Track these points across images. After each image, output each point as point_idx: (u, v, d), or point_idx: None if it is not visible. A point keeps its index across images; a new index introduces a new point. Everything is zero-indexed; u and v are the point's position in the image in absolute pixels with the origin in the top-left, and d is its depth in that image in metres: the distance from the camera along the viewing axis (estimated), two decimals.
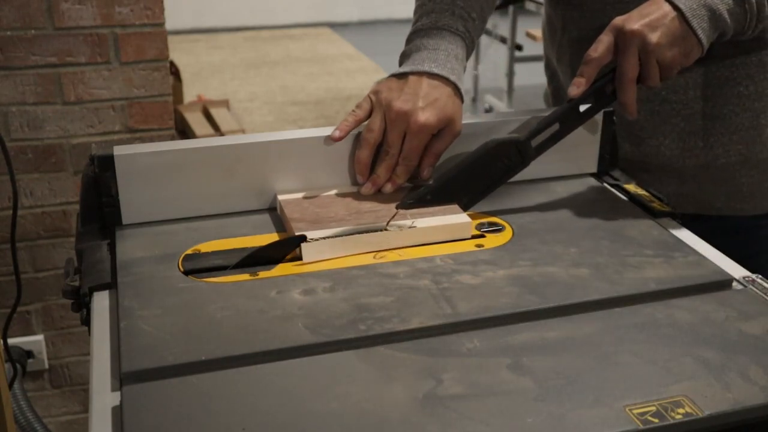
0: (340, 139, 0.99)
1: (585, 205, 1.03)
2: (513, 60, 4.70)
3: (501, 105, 4.71)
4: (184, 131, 3.72)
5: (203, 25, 6.68)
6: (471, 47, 1.09)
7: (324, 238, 0.89)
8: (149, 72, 1.83)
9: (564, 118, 0.98)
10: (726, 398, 0.68)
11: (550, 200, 1.03)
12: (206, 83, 5.31)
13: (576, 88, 0.96)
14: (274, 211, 1.00)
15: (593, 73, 0.96)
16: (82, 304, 0.88)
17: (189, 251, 0.91)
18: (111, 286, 0.85)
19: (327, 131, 1.00)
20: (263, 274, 0.87)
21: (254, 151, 0.98)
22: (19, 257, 1.85)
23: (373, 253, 0.91)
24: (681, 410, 0.66)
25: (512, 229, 0.96)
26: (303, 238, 0.90)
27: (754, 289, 0.84)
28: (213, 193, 0.98)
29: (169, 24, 1.89)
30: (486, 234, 0.95)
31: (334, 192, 1.01)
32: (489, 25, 4.96)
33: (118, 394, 0.70)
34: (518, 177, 1.08)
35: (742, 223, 1.17)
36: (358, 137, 1.00)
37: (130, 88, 1.83)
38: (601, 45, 0.95)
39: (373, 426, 0.65)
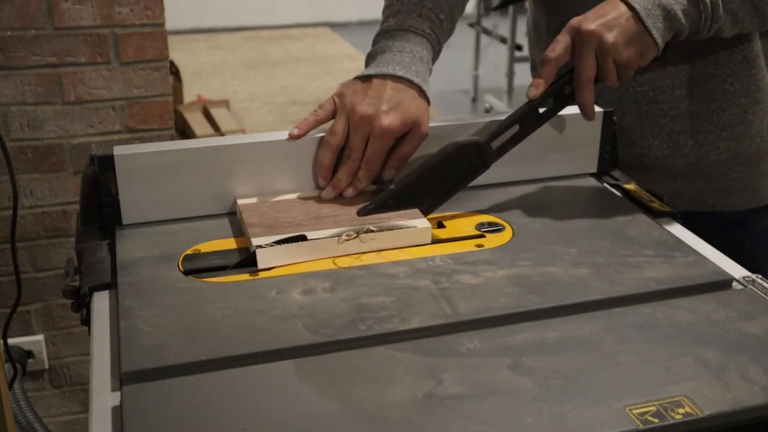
0: (298, 137, 0.98)
1: (585, 205, 1.03)
2: (513, 60, 4.70)
3: (501, 105, 4.71)
4: (184, 131, 3.72)
5: (203, 25, 6.68)
6: (438, 49, 1.08)
7: (275, 243, 0.88)
8: (149, 72, 1.83)
9: (523, 120, 0.98)
10: (726, 398, 0.68)
11: (550, 200, 1.03)
12: (206, 83, 5.31)
13: (534, 89, 0.96)
14: None
15: (551, 74, 0.96)
16: (82, 304, 0.88)
17: (189, 251, 0.91)
18: (111, 286, 0.85)
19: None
20: (263, 274, 0.87)
21: (252, 151, 0.98)
22: (19, 257, 1.85)
23: (374, 253, 0.91)
24: (681, 410, 0.66)
25: (512, 229, 0.96)
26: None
27: (754, 289, 0.84)
28: (213, 193, 0.98)
29: (169, 24, 1.89)
30: (486, 234, 0.95)
31: (295, 196, 0.99)
32: (489, 25, 4.99)
33: (118, 394, 0.70)
34: (518, 177, 1.08)
35: (735, 217, 1.19)
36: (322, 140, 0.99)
37: (130, 88, 1.83)
38: (559, 45, 0.95)
39: (373, 426, 0.65)
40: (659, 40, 0.94)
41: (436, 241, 0.94)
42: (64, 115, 1.81)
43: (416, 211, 0.96)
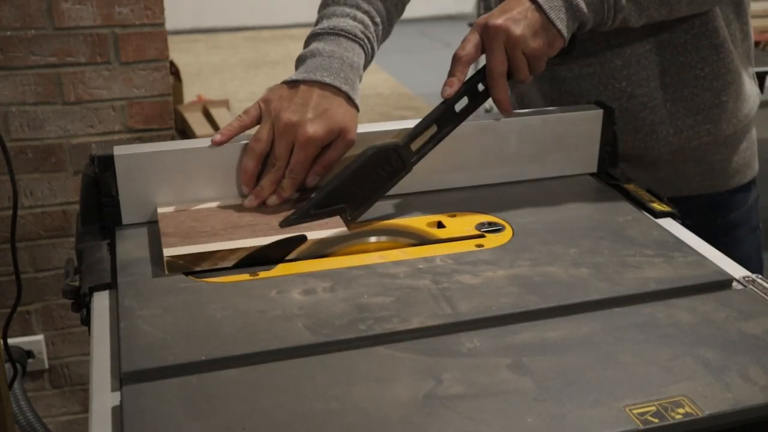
0: (221, 143, 0.96)
1: (585, 205, 1.03)
2: None
3: None
4: (184, 131, 3.71)
5: (203, 25, 6.68)
6: (371, 53, 1.07)
7: (186, 254, 0.86)
8: (149, 72, 1.83)
9: (441, 120, 0.98)
10: (726, 398, 0.68)
11: (550, 200, 1.03)
12: (206, 83, 5.31)
13: (449, 88, 0.97)
14: None
15: (464, 72, 0.97)
16: (82, 304, 0.88)
17: None
18: (111, 286, 0.85)
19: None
20: (263, 274, 0.87)
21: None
22: (19, 257, 1.85)
23: (375, 253, 0.91)
24: (681, 410, 0.66)
25: (512, 229, 0.96)
26: (303, 238, 0.90)
27: (754, 289, 0.84)
28: (213, 193, 0.98)
29: (169, 24, 1.89)
30: (486, 234, 0.95)
31: (216, 204, 0.97)
32: None
33: (118, 394, 0.70)
34: (518, 177, 1.08)
35: (718, 199, 1.22)
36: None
37: (130, 88, 1.83)
38: (468, 43, 0.96)
39: (373, 426, 0.65)
40: (564, 31, 0.96)
41: (436, 241, 0.94)
42: (64, 115, 1.81)
43: (338, 220, 0.94)
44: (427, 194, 1.05)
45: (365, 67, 1.07)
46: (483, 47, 0.96)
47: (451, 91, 0.97)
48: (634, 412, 0.66)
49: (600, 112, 1.08)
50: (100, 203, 0.96)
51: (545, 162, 1.09)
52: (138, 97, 1.84)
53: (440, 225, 0.98)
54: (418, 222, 0.98)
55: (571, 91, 1.16)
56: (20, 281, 1.29)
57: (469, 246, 0.92)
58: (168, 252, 0.86)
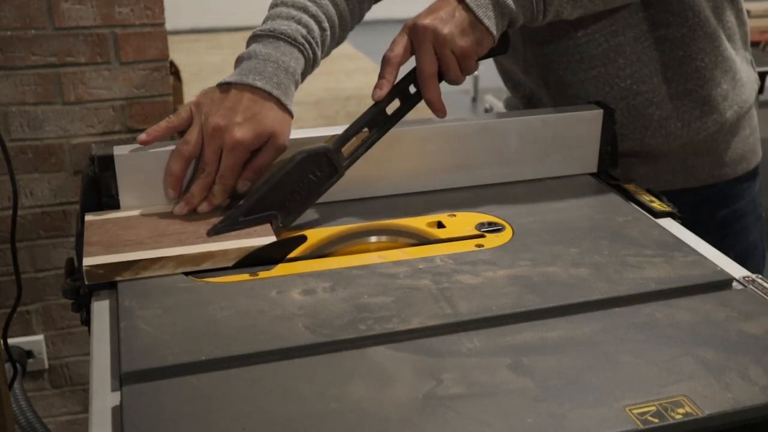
0: (146, 143, 0.95)
1: (585, 205, 1.03)
2: None
3: (501, 105, 4.70)
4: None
5: (203, 25, 6.68)
6: (312, 59, 1.04)
7: (109, 264, 0.85)
8: (149, 72, 1.83)
9: (372, 123, 0.97)
10: (726, 398, 0.68)
11: (550, 200, 1.03)
12: (206, 83, 5.28)
13: (378, 90, 0.95)
14: None
15: (394, 74, 0.96)
16: (82, 304, 0.88)
17: None
18: (111, 286, 0.85)
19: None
20: (263, 274, 0.87)
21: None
22: (19, 257, 1.84)
23: (374, 253, 0.91)
24: (681, 410, 0.66)
25: (512, 229, 0.96)
26: (304, 238, 0.90)
27: (754, 289, 0.84)
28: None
29: (169, 24, 1.89)
30: (486, 234, 0.95)
31: (145, 211, 0.95)
32: None
33: (118, 394, 0.70)
34: (518, 177, 1.08)
35: (727, 187, 1.22)
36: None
37: (130, 88, 1.83)
38: (397, 45, 0.95)
39: (373, 426, 0.65)
40: (492, 29, 0.95)
41: (436, 241, 0.94)
42: (64, 115, 1.81)
43: (267, 228, 0.92)
44: (427, 194, 1.05)
45: (307, 72, 1.05)
46: (412, 49, 0.95)
47: (381, 93, 0.95)
48: (634, 412, 0.66)
49: (600, 112, 1.08)
50: (100, 203, 0.96)
51: (545, 162, 1.09)
52: (138, 97, 1.84)
53: (440, 225, 0.98)
54: (418, 222, 0.98)
55: (578, 94, 1.15)
56: (20, 281, 1.29)
57: (469, 246, 0.92)
58: (87, 261, 0.85)
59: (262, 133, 0.94)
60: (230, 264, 0.88)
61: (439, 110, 0.97)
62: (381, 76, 0.96)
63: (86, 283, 0.85)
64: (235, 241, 0.89)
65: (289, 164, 0.94)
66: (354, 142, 0.97)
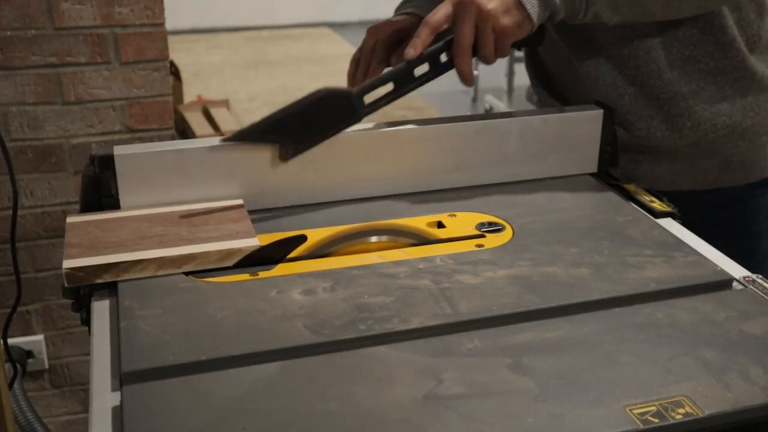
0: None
1: (585, 205, 1.03)
2: (513, 60, 4.70)
3: (501, 105, 4.71)
4: (184, 131, 3.71)
5: (203, 25, 6.68)
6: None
7: (87, 266, 0.84)
8: (149, 72, 1.83)
9: (398, 79, 0.98)
10: (726, 398, 0.68)
11: (550, 200, 1.03)
12: (206, 83, 5.31)
13: (412, 49, 0.98)
14: (273, 210, 1.00)
15: (429, 36, 0.98)
16: (82, 304, 0.88)
17: None
18: (111, 286, 0.85)
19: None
20: (263, 274, 0.87)
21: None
22: (19, 257, 1.85)
23: (374, 253, 0.91)
24: (681, 410, 0.66)
25: (512, 229, 0.96)
26: (304, 238, 0.90)
27: (754, 289, 0.84)
28: (213, 193, 0.98)
29: (169, 24, 1.89)
30: (486, 234, 0.95)
31: (126, 213, 0.95)
32: None
33: (118, 394, 0.70)
34: (518, 177, 1.08)
35: (736, 193, 1.21)
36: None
37: (130, 88, 1.83)
38: (440, 11, 0.97)
39: (373, 426, 0.65)
40: (533, 15, 0.97)
41: (436, 241, 0.94)
42: (64, 115, 1.81)
43: (250, 229, 0.91)
44: (427, 194, 1.05)
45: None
46: (454, 19, 0.97)
47: (414, 53, 0.98)
48: (635, 412, 0.66)
49: (600, 112, 1.08)
50: (100, 203, 0.96)
51: (545, 162, 1.09)
52: (138, 97, 1.84)
53: (440, 225, 0.98)
54: (418, 222, 0.98)
55: (588, 73, 1.15)
56: (20, 281, 1.29)
57: (469, 246, 0.92)
58: (67, 264, 0.84)
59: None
60: (212, 266, 0.88)
61: (468, 80, 0.99)
62: (417, 35, 0.97)
63: (65, 285, 0.85)
64: (216, 243, 0.89)
65: (311, 97, 0.95)
66: (377, 94, 0.98)
